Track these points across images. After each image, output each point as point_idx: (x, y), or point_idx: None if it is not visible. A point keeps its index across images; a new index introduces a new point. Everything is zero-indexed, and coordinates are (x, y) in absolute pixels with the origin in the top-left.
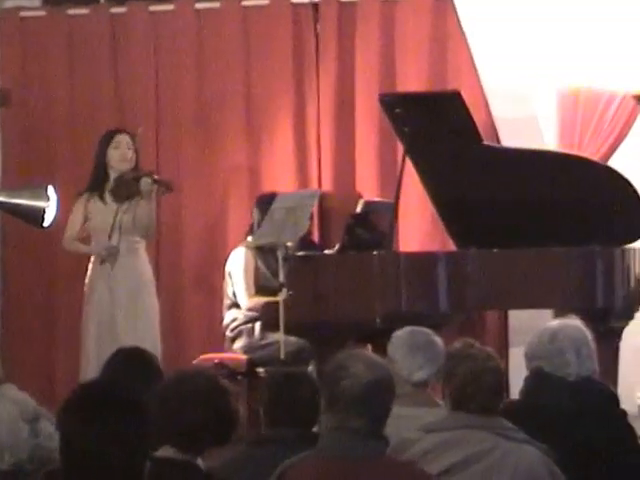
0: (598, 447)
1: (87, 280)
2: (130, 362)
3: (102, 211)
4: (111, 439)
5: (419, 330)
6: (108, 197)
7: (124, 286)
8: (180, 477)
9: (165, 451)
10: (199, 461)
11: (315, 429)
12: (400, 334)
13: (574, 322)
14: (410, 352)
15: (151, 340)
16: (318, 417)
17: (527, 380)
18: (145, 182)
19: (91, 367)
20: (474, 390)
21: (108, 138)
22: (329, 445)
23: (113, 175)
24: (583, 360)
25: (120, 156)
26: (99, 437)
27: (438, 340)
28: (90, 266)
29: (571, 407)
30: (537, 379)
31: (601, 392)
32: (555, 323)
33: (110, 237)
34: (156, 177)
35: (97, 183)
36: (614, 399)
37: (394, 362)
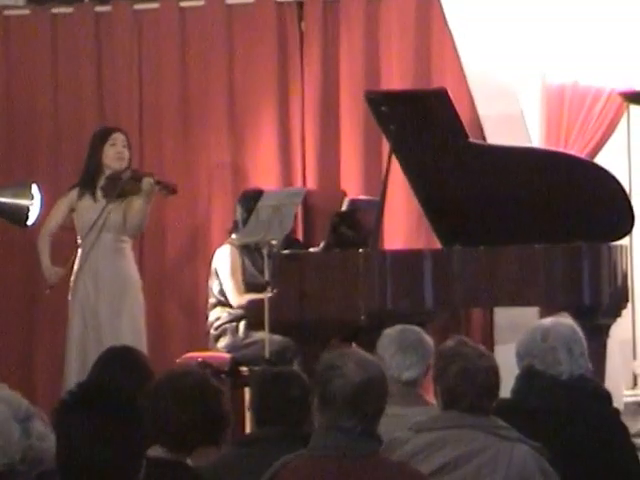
0: (591, 446)
1: (72, 277)
2: (120, 361)
3: (91, 208)
4: (107, 439)
5: (409, 328)
6: (99, 194)
7: (110, 285)
8: (170, 477)
9: (154, 451)
10: (189, 461)
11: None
12: (390, 332)
13: (566, 320)
14: (399, 351)
15: (137, 339)
16: (308, 416)
17: (518, 378)
18: (147, 182)
19: (74, 365)
20: (466, 389)
21: (104, 135)
22: (322, 444)
23: (106, 172)
24: (575, 358)
25: (116, 154)
26: (95, 437)
27: (428, 338)
28: (76, 262)
29: (563, 405)
30: (529, 377)
31: (594, 390)
32: (547, 321)
33: (87, 233)
34: (158, 178)
35: (90, 180)
36: (607, 397)
37: (383, 361)
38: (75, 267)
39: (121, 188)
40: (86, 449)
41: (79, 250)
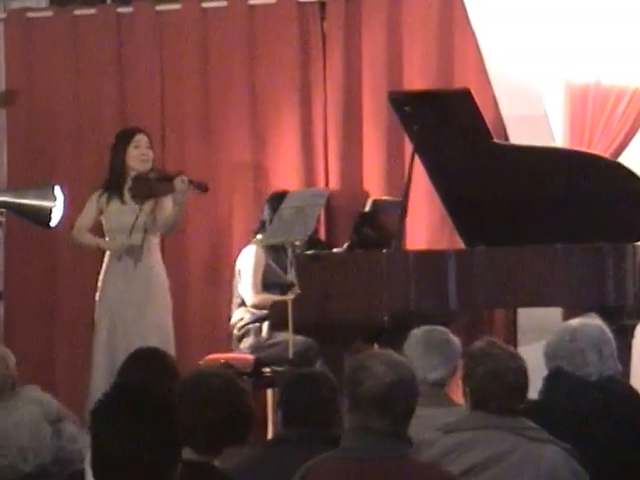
0: (620, 447)
1: (101, 276)
2: (148, 363)
3: (120, 211)
4: (142, 440)
5: (436, 329)
6: (127, 196)
7: (140, 284)
8: (198, 479)
9: (184, 453)
10: (216, 462)
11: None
12: (416, 333)
13: (595, 321)
14: (426, 351)
15: (164, 342)
16: (336, 417)
17: (547, 380)
18: (180, 181)
19: (102, 366)
20: (494, 390)
21: (128, 137)
22: (352, 445)
23: (131, 174)
24: (605, 359)
25: (140, 156)
26: (131, 438)
27: (454, 339)
28: (105, 261)
29: (592, 407)
30: (557, 378)
31: (623, 391)
32: (575, 322)
33: (129, 238)
34: (189, 177)
35: (116, 182)
36: (637, 398)
37: (410, 361)
38: (103, 268)
39: (150, 189)
40: (122, 450)
41: (107, 252)
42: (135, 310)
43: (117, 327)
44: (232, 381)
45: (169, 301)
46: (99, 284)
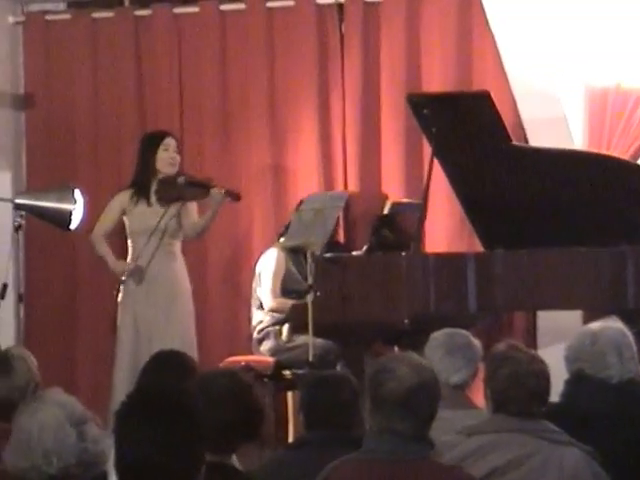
0: None
1: (123, 278)
2: (170, 365)
3: (144, 213)
4: (166, 442)
5: (457, 332)
6: (153, 199)
7: (161, 289)
8: (219, 478)
9: None
10: (234, 461)
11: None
12: (438, 336)
13: (615, 324)
14: (448, 354)
15: (187, 346)
16: (357, 419)
17: (568, 383)
18: (217, 194)
19: (125, 369)
20: (516, 393)
21: (158, 140)
22: (374, 447)
23: (159, 177)
24: (625, 362)
25: (169, 159)
26: (155, 440)
27: (476, 342)
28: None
29: (613, 409)
30: (578, 381)
31: None
32: (596, 325)
33: (149, 240)
34: (225, 188)
35: (143, 184)
36: None
37: (432, 364)
38: (126, 270)
39: (178, 192)
40: (146, 452)
41: (129, 253)
42: (159, 315)
43: (141, 331)
44: (237, 378)
45: (192, 307)
46: (122, 287)
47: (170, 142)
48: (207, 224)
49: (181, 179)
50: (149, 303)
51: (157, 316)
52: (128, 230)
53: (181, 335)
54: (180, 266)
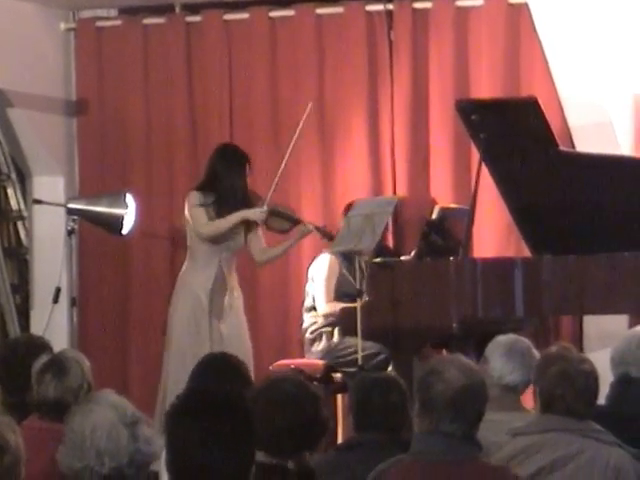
0: None
1: (183, 287)
2: (219, 367)
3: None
4: (217, 443)
5: (521, 339)
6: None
7: (223, 300)
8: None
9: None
10: (290, 464)
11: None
12: (501, 338)
13: None
14: (507, 354)
15: (244, 351)
16: (406, 422)
17: (613, 386)
18: (304, 228)
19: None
20: (564, 391)
21: (244, 161)
22: (422, 449)
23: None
24: None
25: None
26: (206, 440)
27: (536, 352)
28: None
29: None
30: (624, 385)
31: None
32: None
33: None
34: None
35: (229, 201)
36: None
37: (488, 363)
38: (190, 276)
39: (280, 225)
40: (197, 452)
41: (197, 260)
42: (216, 321)
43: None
44: (304, 387)
45: (245, 318)
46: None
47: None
48: (280, 255)
49: (262, 205)
50: (209, 310)
51: (215, 323)
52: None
53: (239, 345)
54: (236, 281)
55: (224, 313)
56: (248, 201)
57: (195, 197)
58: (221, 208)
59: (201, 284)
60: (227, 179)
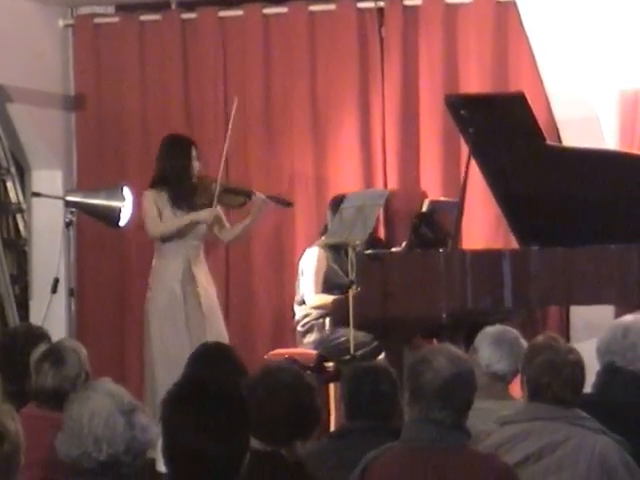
0: None
1: (158, 279)
2: (214, 356)
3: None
4: (212, 430)
5: (509, 329)
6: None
7: (202, 289)
8: (270, 467)
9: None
10: (284, 452)
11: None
12: (490, 328)
13: None
14: (495, 343)
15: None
16: (397, 410)
17: (600, 374)
18: (260, 200)
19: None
20: (550, 380)
21: (190, 148)
22: (412, 436)
23: (190, 182)
24: None
25: (197, 168)
26: (201, 428)
27: (524, 342)
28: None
29: None
30: (609, 374)
31: None
32: (628, 318)
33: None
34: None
35: (182, 189)
36: None
37: (477, 353)
38: (162, 270)
39: (217, 199)
40: (193, 440)
41: (165, 255)
42: (192, 309)
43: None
44: (299, 377)
45: (218, 302)
46: (155, 287)
47: (195, 150)
48: (247, 231)
49: (214, 186)
50: (189, 302)
51: (198, 314)
52: (153, 238)
53: (218, 332)
54: (207, 267)
55: (200, 298)
56: (200, 185)
57: (147, 197)
58: (177, 199)
59: (173, 276)
60: (174, 168)
